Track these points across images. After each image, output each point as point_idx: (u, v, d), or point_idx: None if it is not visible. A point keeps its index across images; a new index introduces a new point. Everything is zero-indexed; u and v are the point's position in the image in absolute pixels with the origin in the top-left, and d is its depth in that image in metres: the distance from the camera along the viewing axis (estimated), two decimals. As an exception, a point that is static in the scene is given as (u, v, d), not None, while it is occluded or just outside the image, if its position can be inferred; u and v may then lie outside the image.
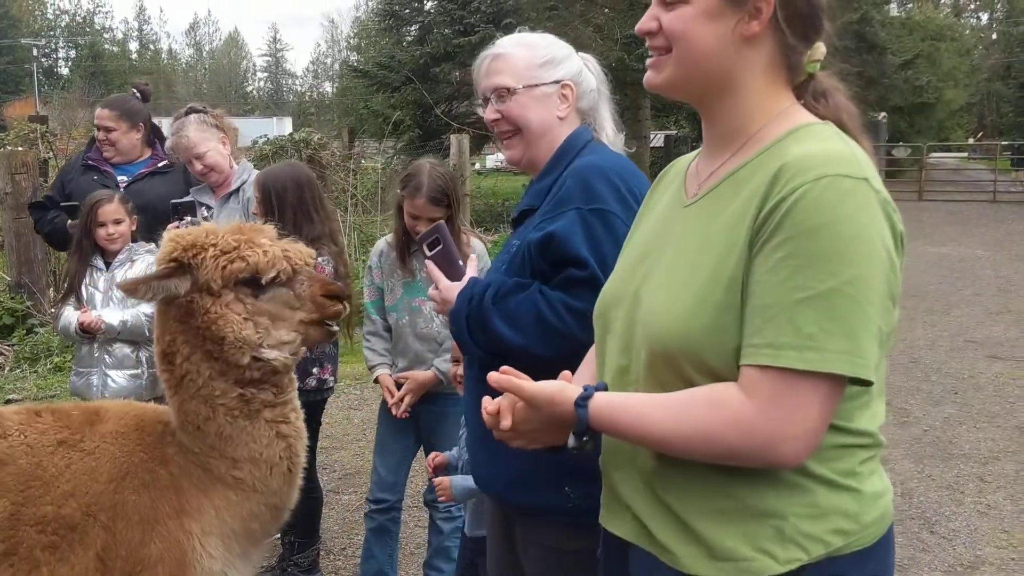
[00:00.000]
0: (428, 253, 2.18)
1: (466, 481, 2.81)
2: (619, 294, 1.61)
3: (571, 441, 1.47)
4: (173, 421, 2.29)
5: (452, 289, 2.11)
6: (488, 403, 1.56)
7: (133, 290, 2.15)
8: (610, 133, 2.30)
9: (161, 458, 2.27)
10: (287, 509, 2.40)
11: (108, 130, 4.52)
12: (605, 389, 1.52)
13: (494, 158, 35.47)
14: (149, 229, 4.04)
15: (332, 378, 3.84)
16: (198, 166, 4.11)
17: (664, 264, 1.51)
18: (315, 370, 3.71)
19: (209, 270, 2.13)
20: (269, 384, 2.23)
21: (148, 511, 2.21)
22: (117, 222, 4.00)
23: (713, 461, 1.38)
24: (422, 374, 3.53)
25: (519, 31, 2.38)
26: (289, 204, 3.55)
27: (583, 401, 1.45)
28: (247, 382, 2.19)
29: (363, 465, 5.33)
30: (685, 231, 1.51)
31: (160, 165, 4.58)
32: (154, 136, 4.71)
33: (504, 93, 2.17)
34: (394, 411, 3.53)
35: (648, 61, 1.55)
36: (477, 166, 27.13)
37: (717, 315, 1.37)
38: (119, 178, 4.51)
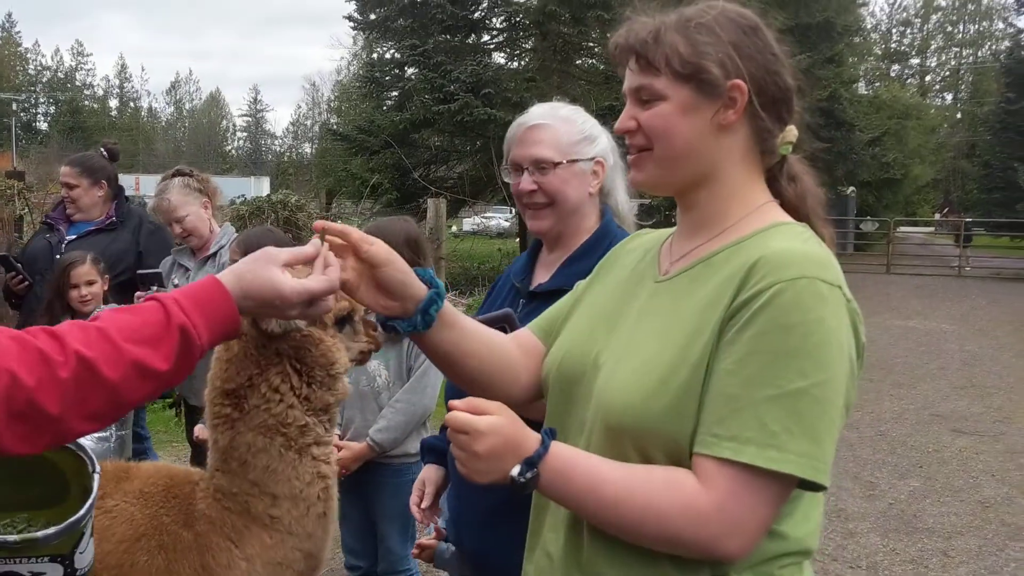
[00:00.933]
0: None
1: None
2: (577, 359, 1.59)
3: (517, 470, 1.38)
4: (212, 465, 2.31)
5: None
6: (456, 404, 1.45)
7: (280, 323, 2.21)
8: (623, 204, 2.33)
9: (186, 520, 2.27)
10: (320, 559, 2.38)
11: (70, 187, 4.57)
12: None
13: (471, 221, 35.83)
14: (109, 288, 4.14)
15: None
16: (177, 229, 4.18)
17: (626, 336, 1.51)
18: None
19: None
20: (327, 415, 2.34)
21: (162, 572, 2.20)
22: (90, 283, 4.05)
23: (655, 544, 1.37)
24: (356, 445, 3.51)
25: (556, 99, 2.41)
26: None
27: (550, 434, 1.41)
28: (322, 408, 2.30)
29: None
30: (652, 307, 1.52)
31: (107, 223, 4.60)
32: (118, 194, 4.75)
33: (547, 165, 2.19)
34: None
35: (630, 159, 1.57)
36: (454, 229, 27.38)
37: (678, 398, 1.37)
38: (68, 237, 4.56)
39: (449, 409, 1.43)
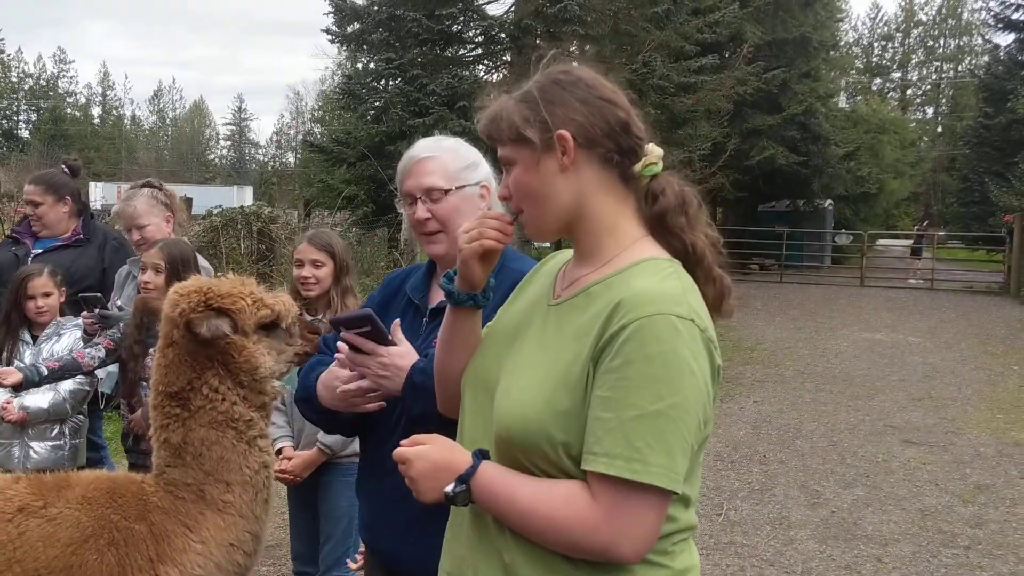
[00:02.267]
0: (348, 330, 2.17)
1: None
2: (481, 375, 1.81)
3: (451, 487, 1.62)
4: (161, 462, 2.54)
5: (405, 356, 2.17)
6: (403, 442, 1.72)
7: (197, 323, 2.45)
8: None
9: (139, 514, 2.45)
10: (263, 539, 2.64)
11: (35, 204, 4.65)
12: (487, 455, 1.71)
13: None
14: (66, 300, 4.24)
15: None
16: (135, 235, 4.29)
17: (524, 356, 1.71)
18: None
19: (246, 315, 2.51)
20: (266, 412, 2.61)
21: (113, 568, 2.37)
22: (46, 295, 4.16)
23: (562, 551, 1.58)
24: (307, 454, 3.66)
25: (436, 134, 2.60)
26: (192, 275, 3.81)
27: (480, 454, 1.67)
28: (259, 406, 2.56)
29: (283, 537, 5.42)
30: (544, 329, 1.73)
31: (73, 239, 4.70)
32: (82, 210, 4.86)
33: (438, 194, 2.34)
34: (280, 476, 3.69)
35: (521, 221, 1.78)
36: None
37: (556, 416, 1.58)
38: (34, 251, 4.66)
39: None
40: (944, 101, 65.77)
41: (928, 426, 8.84)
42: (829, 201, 31.82)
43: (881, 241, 41.75)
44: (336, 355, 2.27)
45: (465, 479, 1.63)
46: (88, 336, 4.17)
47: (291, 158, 69.07)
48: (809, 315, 17.85)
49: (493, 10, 18.31)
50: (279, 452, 3.79)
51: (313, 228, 14.99)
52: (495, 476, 1.63)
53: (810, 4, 28.26)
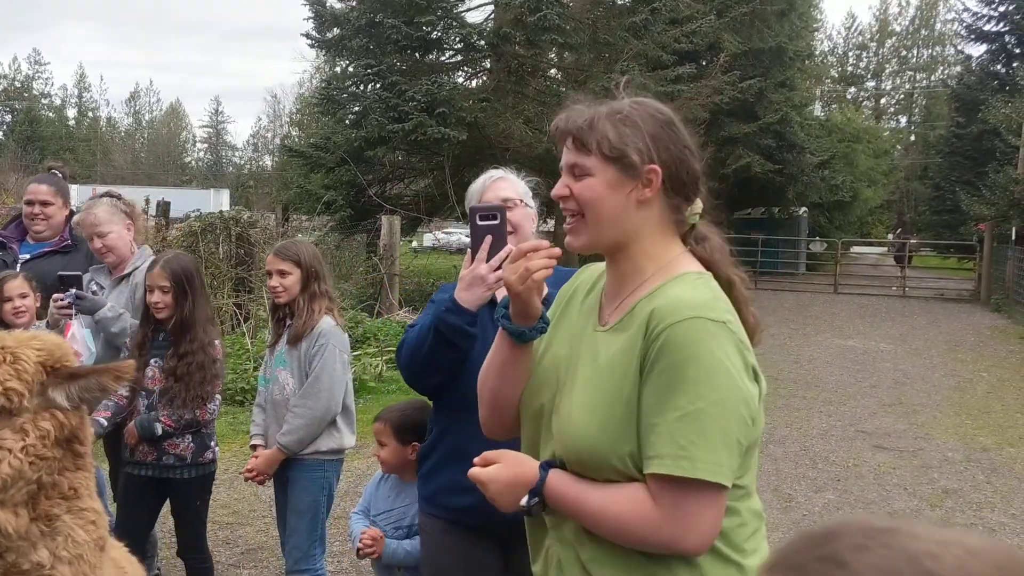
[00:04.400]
0: (480, 223, 2.24)
1: (403, 547, 3.22)
2: (539, 401, 1.91)
3: (525, 500, 1.77)
4: None
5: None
6: (476, 460, 1.86)
7: None
8: None
9: None
10: None
11: (46, 204, 4.68)
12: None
13: (431, 236, 35.96)
14: (43, 305, 4.30)
15: (217, 448, 4.12)
16: (97, 243, 4.37)
17: (579, 382, 1.80)
18: (212, 443, 3.99)
19: None
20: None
21: None
22: (23, 296, 4.22)
23: (633, 547, 1.68)
24: (268, 452, 3.86)
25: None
26: (197, 287, 3.93)
27: (546, 466, 1.78)
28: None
29: (266, 541, 5.50)
30: (595, 355, 1.82)
31: (62, 245, 4.76)
32: (70, 217, 4.92)
33: (511, 204, 2.76)
34: (247, 476, 3.91)
35: (566, 227, 1.85)
36: (415, 244, 27.54)
37: (618, 430, 1.69)
38: (22, 256, 4.70)
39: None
40: (917, 110, 66.56)
41: (898, 431, 9.01)
42: (804, 209, 32.16)
43: (855, 248, 42.22)
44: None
45: (536, 492, 1.76)
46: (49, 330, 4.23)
47: (268, 161, 68.84)
48: (783, 321, 18.05)
49: (472, 17, 18.47)
50: (254, 448, 3.98)
51: (291, 233, 15.03)
52: (563, 486, 1.75)
53: (786, 14, 28.56)
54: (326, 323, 3.85)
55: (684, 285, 1.75)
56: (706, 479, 1.59)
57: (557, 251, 1.83)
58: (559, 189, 1.83)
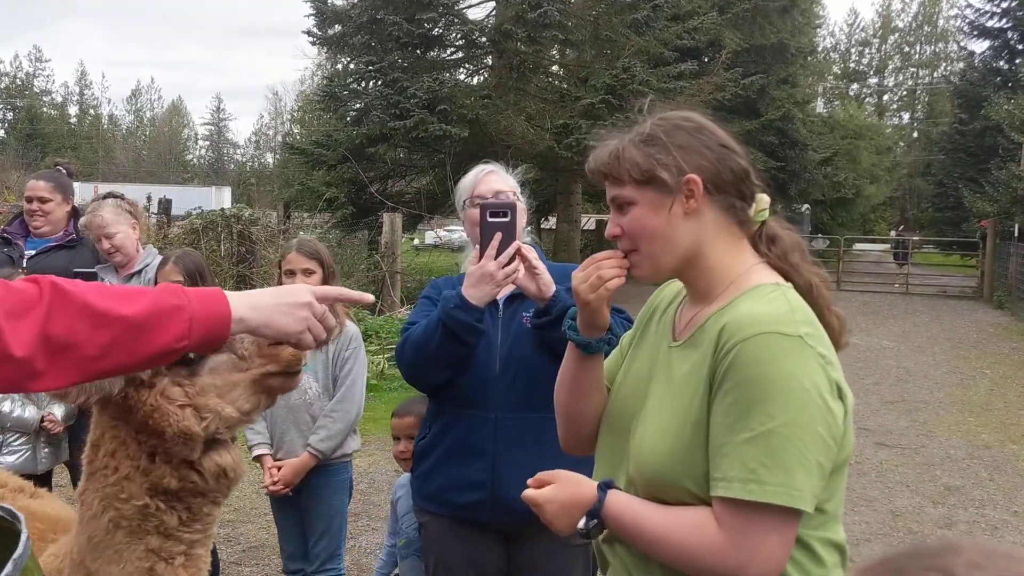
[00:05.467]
0: (489, 219, 2.30)
1: None
2: (617, 422, 1.87)
3: (583, 523, 1.70)
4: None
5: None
6: (529, 482, 1.81)
7: (64, 394, 1.83)
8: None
9: None
10: None
11: (44, 200, 4.71)
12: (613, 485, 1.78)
13: (432, 233, 35.93)
14: None
15: None
16: (106, 244, 4.39)
17: (653, 402, 1.75)
18: None
19: None
20: (183, 504, 1.89)
21: None
22: None
23: (692, 573, 1.60)
24: (297, 461, 3.69)
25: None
26: (208, 284, 3.93)
27: (604, 487, 1.71)
28: (162, 491, 1.86)
29: (268, 539, 5.49)
30: (669, 373, 1.76)
31: (67, 240, 4.78)
32: (74, 212, 4.94)
33: (504, 197, 2.71)
34: (273, 489, 3.73)
35: (630, 261, 1.79)
36: (416, 241, 27.54)
37: (688, 452, 1.63)
38: (27, 252, 4.71)
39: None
40: (920, 107, 66.49)
41: (901, 429, 9.00)
42: (806, 206, 32.16)
43: (857, 245, 42.18)
44: None
45: (595, 514, 1.69)
46: None
47: (270, 159, 68.87)
48: (786, 319, 18.01)
49: (474, 14, 18.47)
50: (257, 459, 3.81)
51: (293, 230, 15.03)
52: (623, 507, 1.68)
53: (788, 10, 28.53)
54: (351, 325, 3.81)
55: (757, 298, 1.67)
56: (777, 503, 1.51)
57: (625, 259, 1.78)
58: (611, 229, 1.79)
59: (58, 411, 4.18)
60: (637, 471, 1.72)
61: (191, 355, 1.80)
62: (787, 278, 1.75)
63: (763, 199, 1.78)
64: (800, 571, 1.61)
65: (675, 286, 1.95)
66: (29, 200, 4.74)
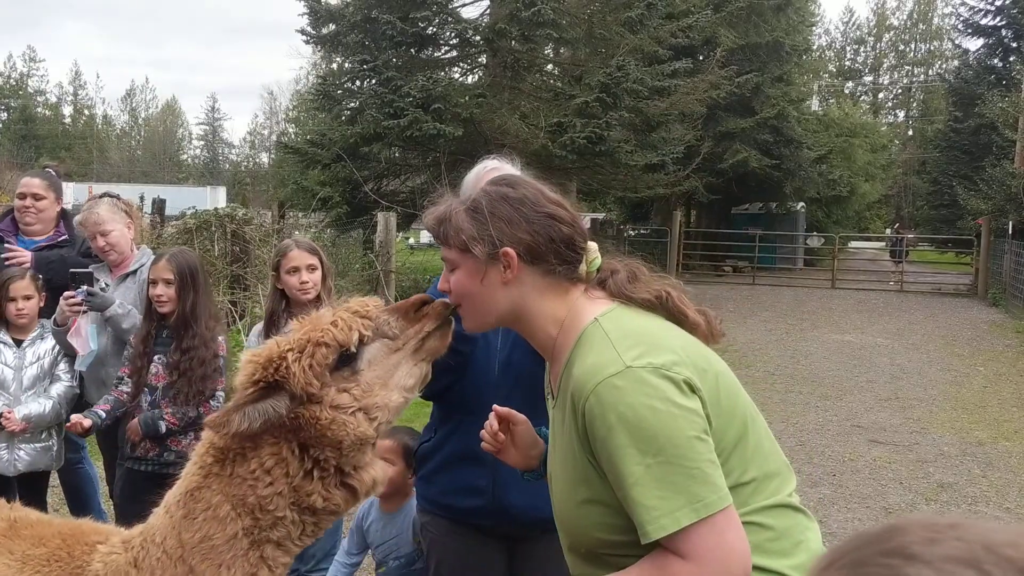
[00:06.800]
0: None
1: None
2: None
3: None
4: (165, 502, 2.07)
5: None
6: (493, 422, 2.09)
7: (225, 423, 1.88)
8: None
9: None
10: None
11: (38, 197, 4.70)
12: None
13: (427, 233, 35.90)
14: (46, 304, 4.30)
15: None
16: (101, 242, 4.38)
17: (555, 459, 1.87)
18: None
19: (299, 376, 1.90)
20: (315, 518, 1.99)
21: None
22: (27, 298, 4.22)
23: None
24: None
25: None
26: (201, 283, 3.92)
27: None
28: (304, 507, 1.95)
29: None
30: (555, 431, 1.86)
31: (59, 240, 4.78)
32: (63, 214, 4.93)
33: None
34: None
35: (460, 312, 1.92)
36: (411, 240, 27.52)
37: (588, 506, 1.71)
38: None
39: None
40: (915, 105, 66.66)
41: (894, 426, 9.00)
42: (801, 204, 32.17)
43: (852, 243, 42.22)
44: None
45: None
46: (58, 327, 4.22)
47: (264, 158, 68.79)
48: (781, 317, 18.05)
49: (468, 13, 18.44)
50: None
51: (287, 230, 15.01)
52: None
53: (783, 9, 28.54)
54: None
55: (586, 349, 1.72)
56: (689, 523, 1.55)
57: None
58: (441, 285, 1.91)
59: (23, 410, 4.04)
60: (556, 523, 1.84)
61: (352, 349, 1.92)
62: (632, 301, 1.82)
63: (592, 248, 1.86)
64: (759, 551, 1.64)
65: None
66: (22, 197, 4.72)
